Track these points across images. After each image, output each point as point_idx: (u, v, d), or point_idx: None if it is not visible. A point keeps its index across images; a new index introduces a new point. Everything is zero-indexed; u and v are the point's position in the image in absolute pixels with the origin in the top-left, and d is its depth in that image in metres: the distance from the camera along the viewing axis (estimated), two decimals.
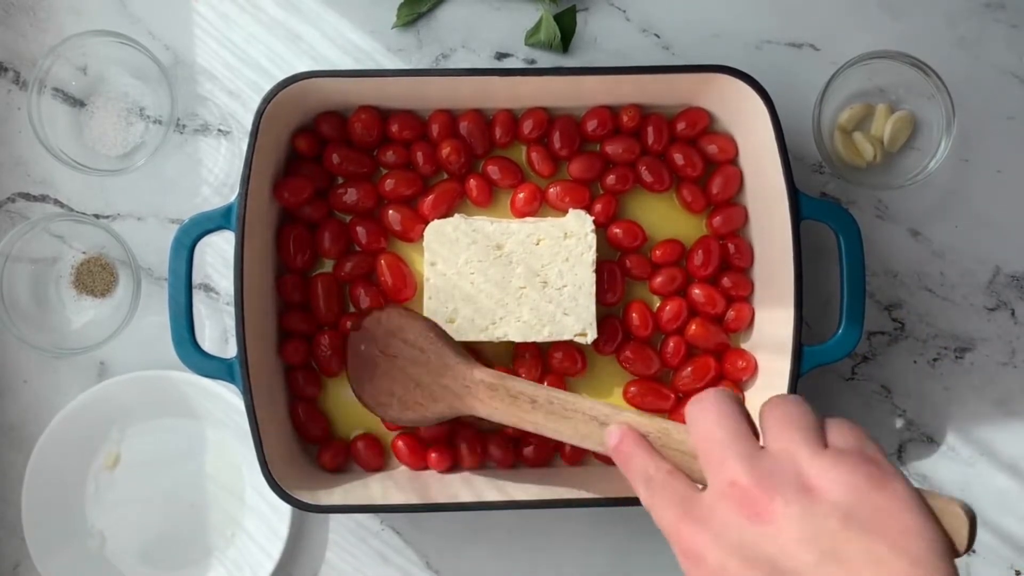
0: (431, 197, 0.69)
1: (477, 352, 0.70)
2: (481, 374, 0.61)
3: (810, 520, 0.37)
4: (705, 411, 0.43)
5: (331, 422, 0.71)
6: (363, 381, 0.66)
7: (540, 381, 0.70)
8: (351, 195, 0.69)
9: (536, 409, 0.58)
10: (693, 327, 0.70)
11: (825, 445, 0.40)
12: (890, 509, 0.37)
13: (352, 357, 0.67)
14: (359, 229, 0.69)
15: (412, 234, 0.69)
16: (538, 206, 0.70)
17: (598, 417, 0.54)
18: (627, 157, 0.70)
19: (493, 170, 0.70)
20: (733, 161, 0.70)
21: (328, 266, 0.70)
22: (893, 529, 0.37)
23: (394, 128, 0.69)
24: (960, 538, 0.38)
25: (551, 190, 0.70)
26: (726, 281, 0.70)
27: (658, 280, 0.70)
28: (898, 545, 0.36)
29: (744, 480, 0.39)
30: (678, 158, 0.70)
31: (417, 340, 0.63)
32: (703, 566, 0.39)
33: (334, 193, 0.69)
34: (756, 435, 0.42)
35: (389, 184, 0.69)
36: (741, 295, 0.70)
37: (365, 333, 0.66)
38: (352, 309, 0.70)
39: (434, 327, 0.64)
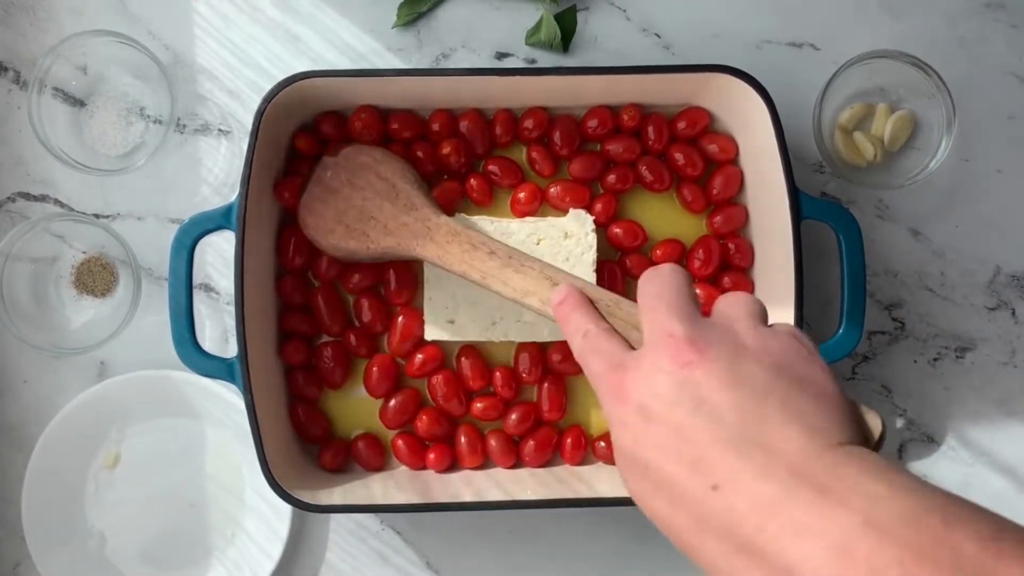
0: None
1: (478, 352, 0.70)
2: (447, 220, 0.61)
3: (738, 369, 0.38)
4: (657, 276, 0.44)
5: (331, 422, 0.71)
6: (314, 204, 0.66)
7: (540, 382, 0.70)
8: None
9: (492, 259, 0.57)
10: None
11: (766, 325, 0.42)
12: (815, 379, 0.39)
13: (314, 180, 0.66)
14: None
15: None
16: (538, 206, 0.70)
17: (551, 277, 0.54)
18: (627, 157, 0.70)
19: (493, 169, 0.70)
20: (733, 161, 0.70)
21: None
22: (816, 390, 0.38)
23: (394, 127, 0.69)
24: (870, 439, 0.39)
25: (551, 190, 0.70)
26: (726, 281, 0.70)
27: None
28: (820, 403, 0.37)
29: (680, 332, 0.40)
30: (678, 158, 0.70)
31: (391, 176, 0.64)
32: (627, 404, 0.40)
33: None
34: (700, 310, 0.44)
35: None
36: None
37: (338, 160, 0.66)
38: (356, 324, 0.70)
39: (411, 170, 0.65)
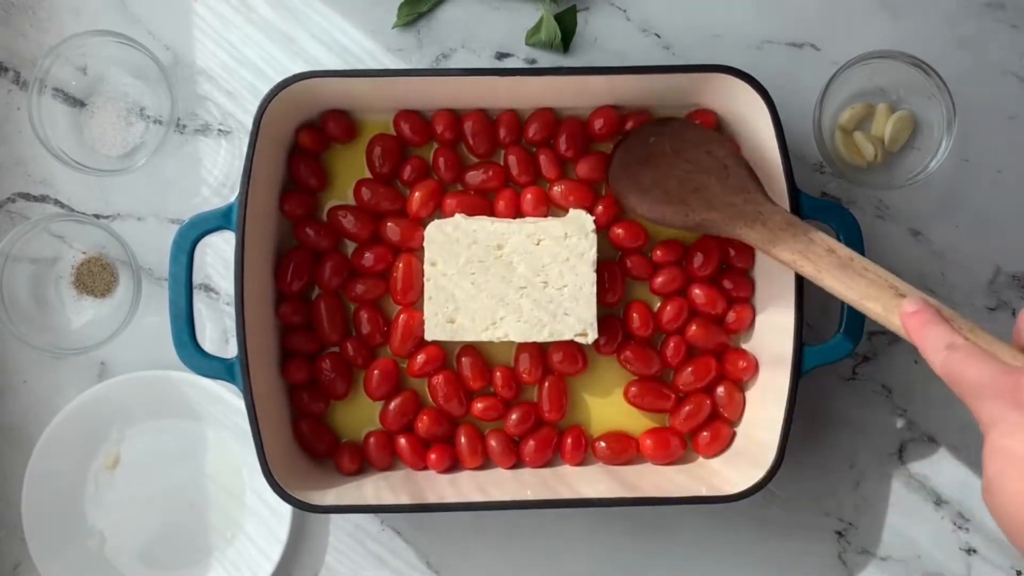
0: (417, 195, 0.69)
1: (478, 352, 0.70)
2: (783, 210, 0.62)
3: None
4: None
5: (338, 429, 0.71)
6: (631, 164, 0.66)
7: (540, 382, 0.70)
8: (350, 221, 0.69)
9: (830, 255, 0.59)
10: (693, 328, 0.70)
11: None
12: None
13: (632, 142, 0.67)
14: (367, 255, 0.70)
15: (412, 242, 0.69)
16: (545, 211, 0.70)
17: (897, 287, 0.56)
18: None
19: (512, 161, 0.70)
20: None
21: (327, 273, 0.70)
22: None
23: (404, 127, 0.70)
24: None
25: (555, 188, 0.70)
26: (727, 283, 0.70)
27: (659, 280, 0.70)
28: None
29: None
30: None
31: (725, 157, 0.65)
32: None
33: (334, 218, 0.70)
34: None
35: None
36: (742, 296, 0.70)
37: (665, 130, 0.67)
38: (355, 334, 0.70)
39: (744, 160, 0.65)
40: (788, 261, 0.61)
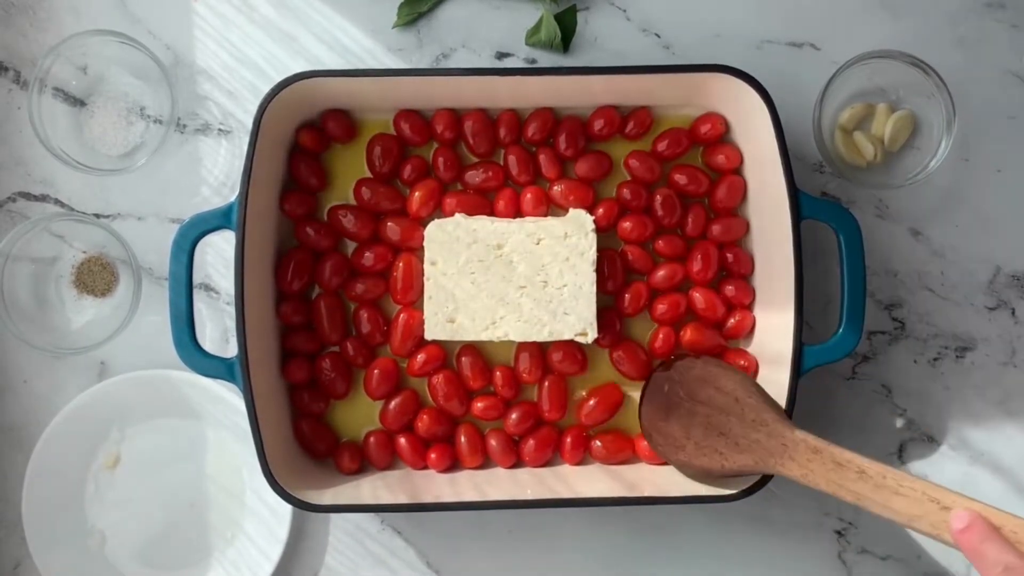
0: (417, 195, 0.69)
1: (478, 352, 0.70)
2: (803, 435, 0.60)
3: None
4: None
5: (339, 429, 0.71)
6: (656, 420, 0.66)
7: (540, 381, 0.70)
8: (350, 220, 0.69)
9: (863, 480, 0.57)
10: (688, 333, 0.70)
11: None
12: None
13: (651, 395, 0.67)
14: (367, 254, 0.70)
15: (412, 242, 0.69)
16: (546, 210, 0.70)
17: (940, 500, 0.54)
18: (647, 177, 0.70)
19: (512, 161, 0.70)
20: (737, 170, 0.70)
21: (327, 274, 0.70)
22: None
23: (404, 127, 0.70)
24: None
25: (555, 188, 0.70)
26: (729, 289, 0.70)
27: (660, 274, 0.70)
28: None
29: None
30: (680, 179, 0.70)
31: (734, 390, 0.63)
32: None
33: (335, 217, 0.70)
34: None
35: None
36: (743, 303, 0.70)
37: (672, 375, 0.66)
38: (355, 334, 0.70)
39: (753, 382, 0.64)
40: (827, 492, 0.58)
